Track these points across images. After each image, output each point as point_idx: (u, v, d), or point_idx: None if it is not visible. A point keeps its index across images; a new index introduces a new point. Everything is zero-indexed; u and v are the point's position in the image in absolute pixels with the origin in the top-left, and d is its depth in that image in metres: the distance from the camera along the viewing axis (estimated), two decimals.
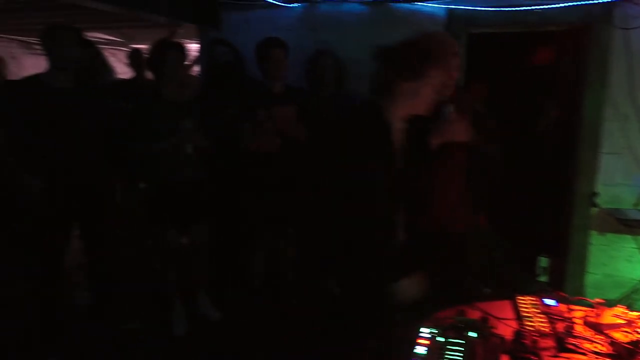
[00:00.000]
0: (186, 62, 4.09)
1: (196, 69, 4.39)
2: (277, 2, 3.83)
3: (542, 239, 3.89)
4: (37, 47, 6.59)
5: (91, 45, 3.97)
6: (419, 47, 1.72)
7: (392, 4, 3.63)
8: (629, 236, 3.37)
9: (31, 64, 5.99)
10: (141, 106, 3.08)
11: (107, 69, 4.37)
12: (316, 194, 2.70)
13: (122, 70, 5.27)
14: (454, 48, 1.96)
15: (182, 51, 3.09)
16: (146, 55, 3.63)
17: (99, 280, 3.17)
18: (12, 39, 5.99)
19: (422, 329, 1.59)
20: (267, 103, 3.16)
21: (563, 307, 1.85)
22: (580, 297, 1.92)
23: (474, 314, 1.75)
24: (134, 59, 4.59)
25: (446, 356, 1.47)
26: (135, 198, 3.57)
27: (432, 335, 1.56)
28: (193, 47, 4.51)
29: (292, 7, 3.87)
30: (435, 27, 3.46)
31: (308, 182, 3.27)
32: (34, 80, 2.79)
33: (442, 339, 1.54)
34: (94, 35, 5.41)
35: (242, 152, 3.21)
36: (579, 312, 1.82)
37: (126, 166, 3.38)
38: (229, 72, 3.52)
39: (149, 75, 3.75)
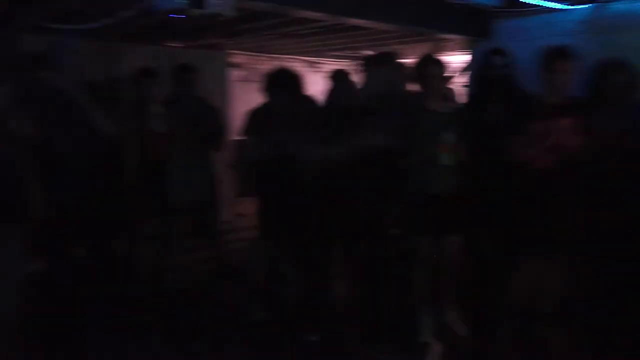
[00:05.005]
0: (447, 74, 4.11)
1: (461, 79, 4.36)
2: (556, 6, 3.52)
3: None
4: (319, 65, 7.57)
5: None
6: None
7: None
8: None
9: (313, 80, 6.87)
10: (406, 118, 3.19)
11: None
12: (592, 218, 2.36)
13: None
14: None
15: (443, 64, 3.10)
16: (410, 69, 3.74)
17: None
18: (300, 59, 6.96)
19: None
20: (543, 115, 2.89)
21: None
22: None
23: None
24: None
25: None
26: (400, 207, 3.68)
27: None
28: (461, 59, 4.49)
29: (574, 9, 3.50)
30: None
31: (584, 204, 2.92)
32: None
33: None
34: (369, 54, 5.85)
35: (509, 166, 3.02)
36: None
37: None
38: (503, 83, 3.35)
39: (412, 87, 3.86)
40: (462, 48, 4.57)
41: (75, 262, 2.94)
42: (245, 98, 4.62)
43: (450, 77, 4.29)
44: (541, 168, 2.90)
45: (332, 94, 4.35)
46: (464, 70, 4.63)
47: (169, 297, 3.55)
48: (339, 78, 4.38)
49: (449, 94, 3.64)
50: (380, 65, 3.57)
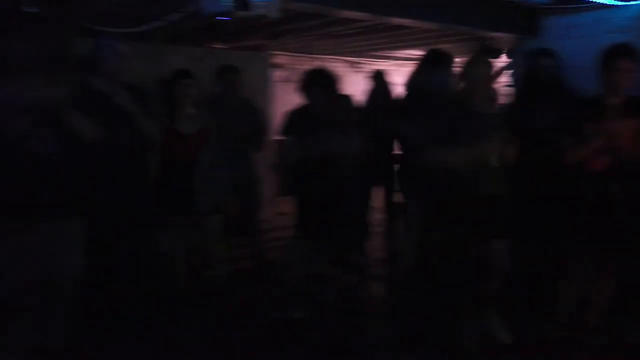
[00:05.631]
0: (494, 74, 4.02)
1: (506, 79, 4.25)
2: (609, 2, 3.39)
3: None
4: (360, 65, 7.55)
5: None
6: None
7: None
8: None
9: (354, 80, 6.86)
10: (449, 117, 3.13)
11: None
12: None
13: None
14: None
15: (489, 63, 3.02)
16: (458, 68, 3.68)
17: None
18: (342, 59, 6.95)
19: None
20: (599, 116, 2.79)
21: None
22: None
23: None
24: None
25: None
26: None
27: None
28: (505, 59, 4.39)
29: (628, 5, 3.36)
30: None
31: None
32: None
33: None
34: (410, 54, 5.80)
35: (560, 168, 2.92)
36: None
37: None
38: (551, 85, 3.25)
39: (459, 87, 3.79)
40: (509, 46, 4.45)
41: (120, 258, 3.01)
42: (287, 98, 4.66)
43: (497, 77, 4.20)
44: (596, 171, 2.79)
45: (372, 94, 4.36)
46: (507, 69, 4.52)
47: (208, 293, 3.61)
48: (378, 78, 4.38)
49: (493, 95, 3.55)
50: (436, 63, 3.53)
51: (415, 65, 3.71)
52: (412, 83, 3.68)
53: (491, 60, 3.06)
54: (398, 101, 3.86)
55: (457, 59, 3.87)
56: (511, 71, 4.37)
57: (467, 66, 3.11)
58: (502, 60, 4.56)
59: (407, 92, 3.78)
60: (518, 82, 3.93)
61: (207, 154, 3.40)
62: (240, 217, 4.10)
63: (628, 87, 2.76)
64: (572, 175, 2.88)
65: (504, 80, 4.48)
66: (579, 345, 3.00)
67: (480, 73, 2.95)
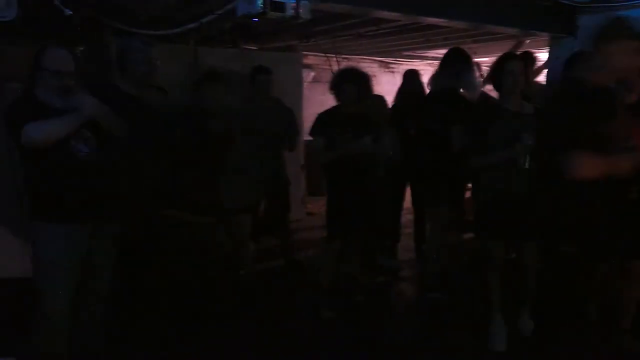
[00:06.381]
0: (530, 73, 3.93)
1: (541, 78, 4.16)
2: None
3: None
4: (392, 65, 7.52)
5: None
6: None
7: None
8: None
9: (386, 80, 6.83)
10: (482, 117, 3.10)
11: None
12: None
13: None
14: None
15: (523, 62, 2.96)
16: (488, 68, 3.63)
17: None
18: (373, 59, 6.93)
19: None
20: (621, 115, 2.70)
21: None
22: None
23: None
24: None
25: None
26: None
27: None
28: (543, 57, 4.29)
29: None
30: None
31: None
32: None
33: None
34: (443, 53, 5.72)
35: None
36: None
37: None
38: (585, 88, 3.16)
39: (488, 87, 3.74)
40: (543, 46, 4.35)
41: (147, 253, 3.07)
42: (319, 99, 4.68)
43: (533, 76, 4.11)
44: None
45: (404, 93, 4.33)
46: (543, 67, 4.42)
47: (238, 290, 3.64)
48: (409, 78, 4.35)
49: (532, 93, 3.48)
50: (452, 63, 3.50)
51: (438, 64, 3.69)
52: (436, 82, 3.66)
53: (528, 64, 2.99)
54: (426, 99, 3.84)
55: (489, 59, 3.83)
56: (547, 70, 4.27)
57: (497, 64, 3.07)
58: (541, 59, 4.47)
59: (430, 91, 3.77)
60: (553, 82, 3.84)
61: (237, 153, 3.44)
62: (270, 217, 4.15)
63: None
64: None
65: (541, 80, 4.39)
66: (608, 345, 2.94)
67: (509, 71, 2.90)
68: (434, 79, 3.72)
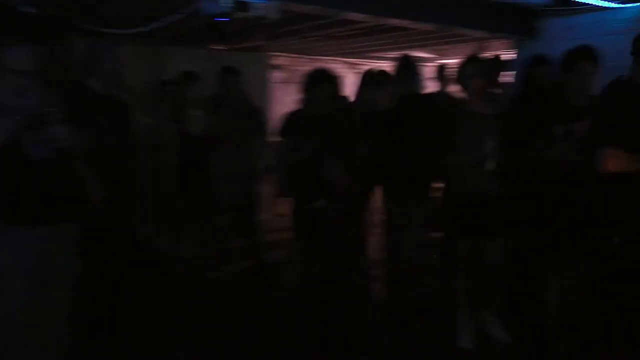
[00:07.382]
0: (492, 77, 4.01)
1: (506, 80, 4.25)
2: (607, 4, 3.40)
3: None
4: (359, 66, 7.55)
5: None
6: None
7: None
8: None
9: (352, 81, 6.85)
10: (449, 118, 3.14)
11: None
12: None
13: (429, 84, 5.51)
14: None
15: (489, 64, 3.03)
16: (453, 70, 3.70)
17: None
18: (340, 60, 6.96)
19: None
20: (567, 117, 2.81)
21: None
22: None
23: None
24: (439, 73, 4.76)
25: None
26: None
27: None
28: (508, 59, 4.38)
29: (625, 8, 3.37)
30: None
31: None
32: None
33: None
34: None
35: (541, 169, 2.94)
36: None
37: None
38: (549, 92, 3.25)
39: (454, 89, 3.81)
40: (507, 48, 4.46)
41: (117, 260, 3.01)
42: (286, 99, 4.67)
43: (496, 78, 4.19)
44: (568, 171, 2.81)
45: (360, 95, 4.35)
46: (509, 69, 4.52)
47: (206, 293, 3.63)
48: (367, 79, 4.38)
49: (495, 95, 3.55)
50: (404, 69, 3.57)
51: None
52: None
53: (499, 70, 3.05)
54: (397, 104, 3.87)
55: (456, 61, 3.88)
56: (511, 73, 4.37)
57: (460, 68, 3.13)
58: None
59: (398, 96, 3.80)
60: (515, 85, 3.94)
61: (218, 154, 3.41)
62: (240, 217, 4.12)
63: (589, 88, 2.76)
64: (551, 175, 2.90)
65: (505, 82, 4.49)
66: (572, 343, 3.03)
67: (471, 74, 2.96)
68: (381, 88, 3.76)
